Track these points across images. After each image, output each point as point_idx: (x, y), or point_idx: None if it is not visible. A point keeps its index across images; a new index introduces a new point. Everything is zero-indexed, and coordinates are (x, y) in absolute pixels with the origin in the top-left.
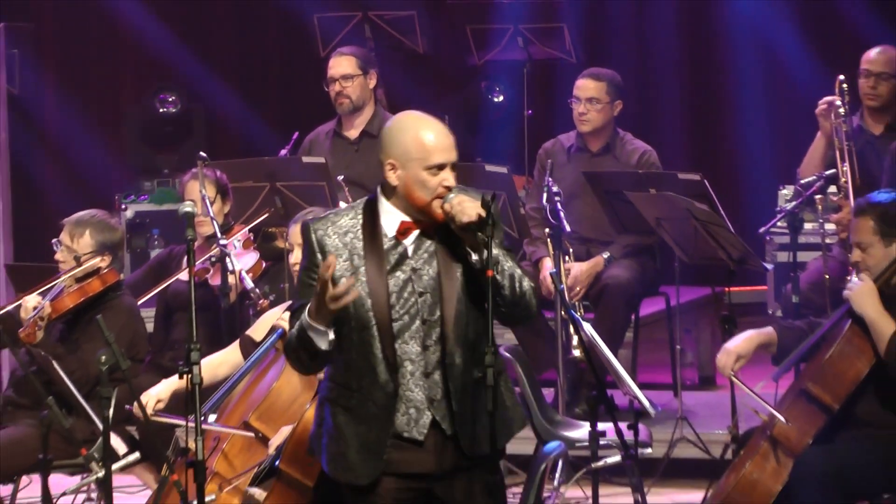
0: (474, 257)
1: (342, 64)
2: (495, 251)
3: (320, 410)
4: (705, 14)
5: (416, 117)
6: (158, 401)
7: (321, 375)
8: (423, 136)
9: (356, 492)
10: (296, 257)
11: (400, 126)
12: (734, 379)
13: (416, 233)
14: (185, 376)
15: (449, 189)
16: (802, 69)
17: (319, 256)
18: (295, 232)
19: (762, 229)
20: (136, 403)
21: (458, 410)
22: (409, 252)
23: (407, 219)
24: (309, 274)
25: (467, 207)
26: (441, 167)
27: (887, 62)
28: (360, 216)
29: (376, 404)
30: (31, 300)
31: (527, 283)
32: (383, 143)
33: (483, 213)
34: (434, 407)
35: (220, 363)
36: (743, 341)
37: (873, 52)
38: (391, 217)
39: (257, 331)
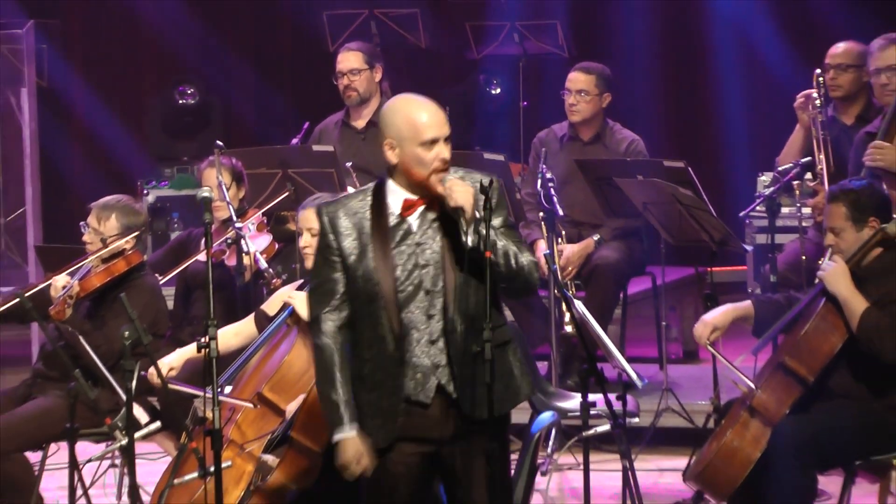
0: (464, 238)
1: (350, 59)
2: (490, 230)
3: None
4: (690, 11)
5: (407, 98)
6: (171, 368)
7: None
8: (414, 114)
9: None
10: (304, 240)
11: (393, 108)
12: (709, 348)
13: (420, 209)
14: (202, 350)
15: (445, 162)
16: (780, 65)
17: (332, 237)
18: (304, 216)
19: (742, 213)
20: (151, 369)
21: (459, 375)
22: (414, 227)
23: (411, 196)
24: (324, 254)
25: (456, 193)
26: (434, 142)
27: (845, 54)
28: (368, 198)
29: (386, 371)
30: (61, 279)
31: (525, 259)
32: (381, 126)
33: (465, 204)
34: (439, 372)
35: (235, 333)
36: (720, 314)
37: (834, 47)
38: (396, 196)
39: (271, 306)
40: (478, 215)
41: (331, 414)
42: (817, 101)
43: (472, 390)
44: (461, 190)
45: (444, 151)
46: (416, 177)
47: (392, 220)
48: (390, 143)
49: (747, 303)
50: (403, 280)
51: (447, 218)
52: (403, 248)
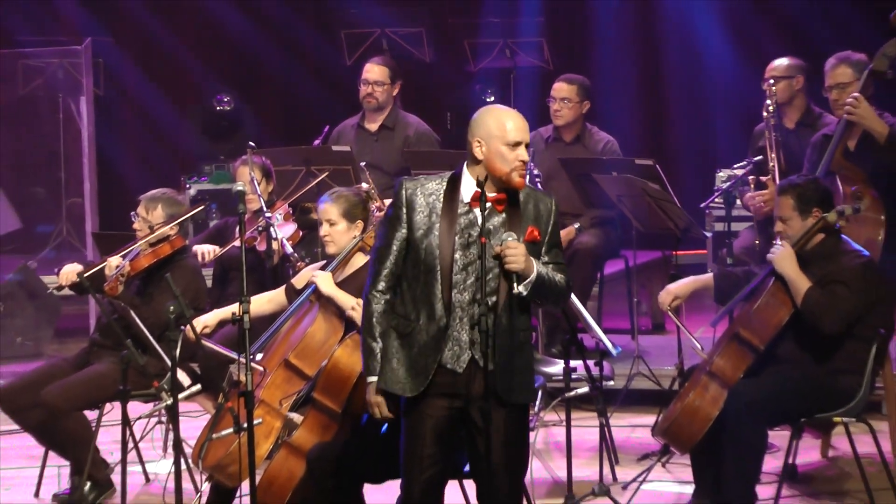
0: (515, 289)
1: (376, 72)
2: (542, 267)
3: None
4: (659, 31)
5: (499, 107)
6: (205, 326)
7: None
8: (504, 119)
9: (409, 403)
10: (324, 230)
11: (486, 112)
12: (670, 314)
13: (489, 204)
14: (235, 322)
15: (524, 163)
16: (734, 81)
17: (404, 210)
18: (324, 209)
19: (703, 204)
20: (188, 327)
21: (497, 361)
22: (479, 220)
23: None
24: (393, 223)
25: (511, 261)
26: (517, 144)
27: (776, 68)
28: (444, 184)
29: (429, 335)
30: (114, 261)
31: (562, 281)
32: (472, 126)
33: (518, 269)
34: (474, 349)
35: (268, 300)
36: (681, 284)
37: (771, 63)
38: (469, 187)
39: (298, 280)
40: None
41: (367, 358)
42: (771, 108)
43: (510, 378)
44: (516, 257)
45: (523, 154)
46: (497, 171)
47: (461, 208)
48: (479, 141)
49: (708, 275)
50: (460, 263)
51: (512, 221)
52: (467, 235)
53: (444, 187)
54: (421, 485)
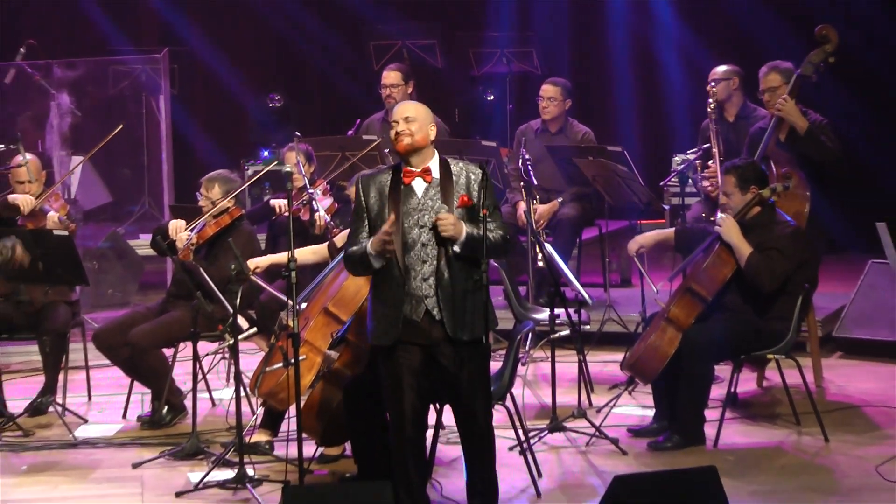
0: (453, 249)
1: (392, 76)
2: (471, 228)
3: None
4: (627, 48)
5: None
6: (256, 266)
7: None
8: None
9: (384, 351)
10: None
11: None
12: (634, 259)
13: (422, 181)
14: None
15: (398, 133)
16: (686, 81)
17: (361, 199)
18: (353, 189)
19: (662, 183)
20: (244, 264)
21: (447, 311)
22: (419, 194)
23: (409, 168)
24: (356, 209)
25: (443, 227)
26: (395, 123)
27: (717, 72)
28: (390, 173)
29: (393, 294)
30: (184, 235)
31: (498, 236)
32: None
33: (454, 236)
34: (427, 301)
35: (312, 252)
36: (646, 235)
37: (714, 68)
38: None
39: (338, 239)
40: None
41: (360, 253)
42: (712, 105)
43: (461, 318)
44: (447, 226)
45: (397, 127)
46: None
47: (403, 191)
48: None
49: (669, 230)
50: (407, 234)
51: (442, 193)
52: (409, 209)
53: (391, 175)
54: (404, 410)
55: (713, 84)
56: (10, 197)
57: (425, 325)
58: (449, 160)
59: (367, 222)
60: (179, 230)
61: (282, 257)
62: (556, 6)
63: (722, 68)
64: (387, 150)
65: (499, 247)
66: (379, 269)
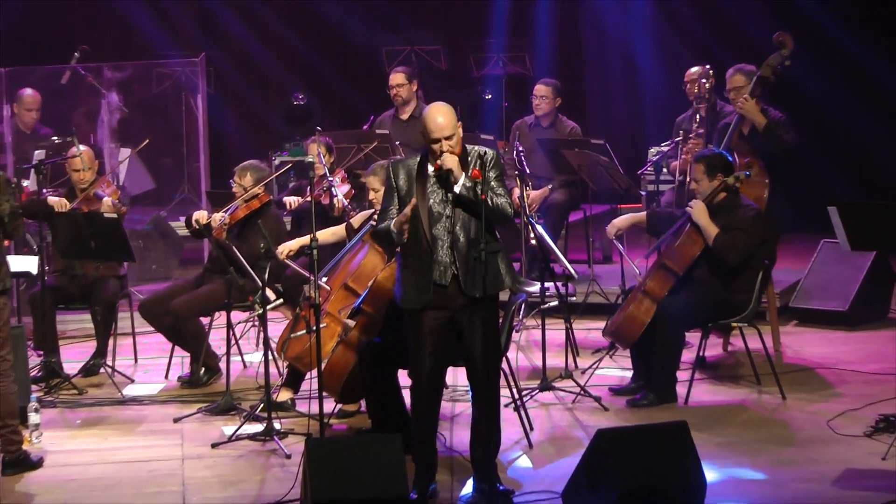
0: (455, 189)
1: (397, 77)
2: (468, 181)
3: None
4: (609, 52)
5: (431, 107)
6: (289, 250)
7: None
8: (427, 120)
9: (414, 314)
10: (371, 195)
11: (426, 112)
12: (614, 241)
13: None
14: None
15: (442, 151)
16: (661, 82)
17: (393, 181)
18: (370, 180)
19: (639, 171)
20: (272, 243)
21: (462, 271)
22: (451, 178)
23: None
24: (387, 191)
25: (447, 162)
26: (435, 141)
27: (691, 73)
28: (418, 159)
29: (423, 263)
30: (217, 216)
31: (500, 200)
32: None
33: (453, 168)
34: (453, 266)
35: (332, 233)
36: (622, 219)
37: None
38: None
39: (354, 221)
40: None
41: (385, 229)
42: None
43: (472, 279)
44: (450, 160)
45: (442, 146)
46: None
47: (430, 172)
48: (421, 132)
49: (642, 213)
50: (433, 209)
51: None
52: (434, 189)
53: (418, 161)
54: (425, 373)
55: (704, 82)
56: (50, 200)
57: (452, 289)
58: (465, 144)
59: (397, 201)
60: (203, 219)
61: (306, 240)
62: (545, 16)
63: (690, 70)
64: (397, 143)
65: (498, 210)
66: (409, 241)
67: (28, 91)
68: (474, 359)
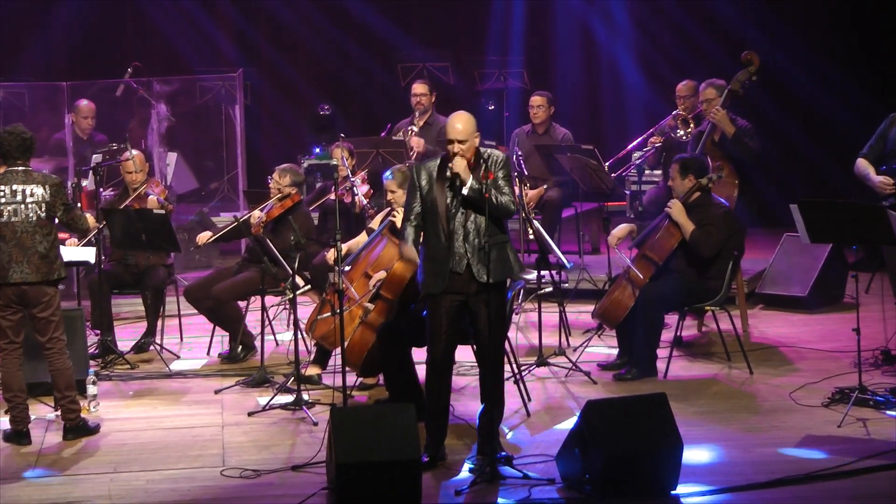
0: (463, 190)
1: (420, 88)
2: (476, 184)
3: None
4: (597, 66)
5: (453, 116)
6: (348, 248)
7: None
8: (447, 126)
9: (432, 298)
10: (390, 196)
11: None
12: (615, 248)
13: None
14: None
15: (454, 153)
16: (645, 93)
17: (415, 180)
18: (388, 183)
19: (624, 174)
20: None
21: (473, 260)
22: (458, 181)
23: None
24: (411, 188)
25: (455, 167)
26: (450, 142)
27: (681, 89)
28: (437, 161)
29: (441, 253)
30: (256, 212)
31: (503, 199)
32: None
33: (460, 172)
34: (467, 256)
35: (356, 243)
36: (620, 229)
37: (679, 84)
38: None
39: (374, 223)
40: (488, 176)
41: (405, 241)
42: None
43: (482, 267)
44: (458, 165)
45: (454, 147)
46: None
47: (448, 174)
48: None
49: (634, 225)
50: (450, 206)
51: (474, 173)
52: (451, 190)
53: (438, 163)
54: (440, 350)
55: (678, 99)
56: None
57: (466, 276)
58: (479, 148)
59: (419, 198)
60: (203, 239)
61: (353, 244)
62: (540, 36)
63: (681, 85)
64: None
65: (501, 208)
66: (430, 234)
67: (83, 101)
68: (482, 339)
